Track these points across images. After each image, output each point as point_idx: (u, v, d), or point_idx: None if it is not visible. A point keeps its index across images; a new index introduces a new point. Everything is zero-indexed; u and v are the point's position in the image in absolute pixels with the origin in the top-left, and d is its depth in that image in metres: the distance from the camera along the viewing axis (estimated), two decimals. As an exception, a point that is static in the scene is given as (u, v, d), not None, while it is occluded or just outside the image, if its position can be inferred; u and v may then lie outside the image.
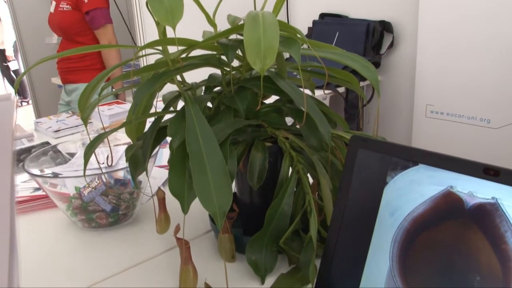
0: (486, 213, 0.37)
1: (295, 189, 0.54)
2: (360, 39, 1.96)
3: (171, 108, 0.60)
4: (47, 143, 0.79)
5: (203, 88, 0.61)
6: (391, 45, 1.99)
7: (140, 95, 0.50)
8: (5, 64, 3.83)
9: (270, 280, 0.53)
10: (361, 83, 1.89)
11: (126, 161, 0.58)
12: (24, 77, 4.11)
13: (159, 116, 0.58)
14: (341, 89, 1.89)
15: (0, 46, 3.79)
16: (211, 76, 0.61)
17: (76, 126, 1.27)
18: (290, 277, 0.53)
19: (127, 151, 0.59)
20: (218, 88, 0.60)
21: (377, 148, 0.44)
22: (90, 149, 0.53)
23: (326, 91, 1.79)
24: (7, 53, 3.85)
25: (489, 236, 0.36)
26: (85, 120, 0.55)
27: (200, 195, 0.43)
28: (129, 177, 0.71)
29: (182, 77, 0.60)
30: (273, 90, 0.55)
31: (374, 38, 1.97)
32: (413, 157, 0.41)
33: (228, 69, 0.58)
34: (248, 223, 0.54)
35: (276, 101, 0.61)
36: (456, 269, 0.38)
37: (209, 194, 0.43)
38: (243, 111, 0.54)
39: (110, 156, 0.73)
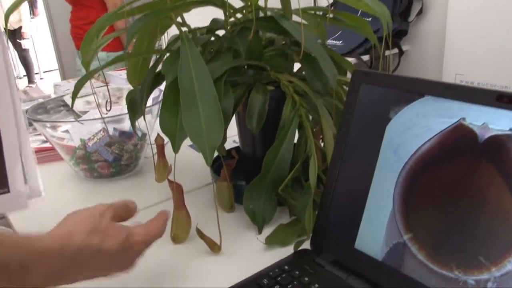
0: (502, 146, 0.33)
1: (296, 135, 0.51)
2: (387, 5, 1.87)
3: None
4: (62, 100, 0.79)
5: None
6: (420, 12, 1.90)
7: (134, 27, 0.48)
8: (18, 41, 3.85)
9: (268, 231, 0.51)
10: (387, 52, 1.82)
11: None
12: (35, 58, 4.16)
13: (158, 59, 0.56)
14: (365, 57, 1.82)
15: (17, 24, 3.81)
16: (213, 20, 0.58)
17: (95, 88, 1.27)
18: (288, 228, 0.50)
19: (127, 96, 0.58)
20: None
21: (380, 82, 0.40)
22: (81, 83, 0.52)
23: (350, 59, 1.74)
24: (23, 30, 3.85)
25: (504, 172, 0.32)
26: (87, 65, 0.54)
27: (189, 128, 0.41)
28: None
29: (182, 18, 0.57)
30: (277, 31, 0.52)
31: (402, 4, 1.89)
32: (418, 88, 0.37)
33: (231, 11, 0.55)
34: (250, 174, 0.51)
35: (281, 45, 0.58)
36: (463, 209, 0.34)
37: (198, 128, 0.42)
38: (243, 51, 0.52)
39: (109, 100, 0.72)
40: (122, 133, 0.70)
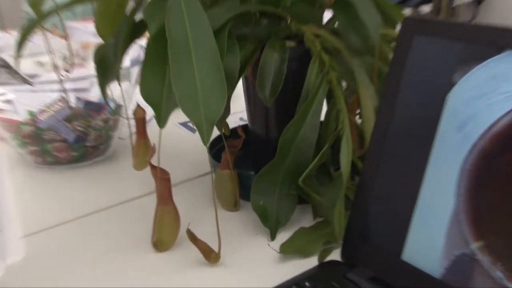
0: None
1: (324, 107, 0.52)
2: None
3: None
4: (1, 59, 0.79)
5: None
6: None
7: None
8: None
9: (284, 237, 0.51)
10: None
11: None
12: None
13: (139, 2, 0.56)
14: (426, 8, 1.81)
15: None
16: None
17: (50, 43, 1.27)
18: (311, 232, 0.51)
19: (96, 53, 0.58)
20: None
21: (441, 32, 0.40)
22: (29, 29, 0.52)
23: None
24: None
25: None
26: (37, 4, 0.54)
27: (180, 95, 0.42)
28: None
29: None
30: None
31: None
32: (496, 39, 0.37)
33: None
34: (261, 160, 0.52)
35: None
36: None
37: (192, 94, 0.42)
38: (254, -7, 0.52)
39: (70, 59, 0.72)
40: (88, 104, 0.70)
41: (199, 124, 0.41)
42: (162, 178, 0.49)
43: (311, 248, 0.48)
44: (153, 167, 0.49)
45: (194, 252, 0.48)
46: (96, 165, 0.71)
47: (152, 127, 0.58)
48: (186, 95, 0.42)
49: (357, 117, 0.54)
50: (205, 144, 0.42)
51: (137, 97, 0.85)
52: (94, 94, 0.70)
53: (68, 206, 0.62)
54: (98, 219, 0.59)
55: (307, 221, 0.53)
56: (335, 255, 0.46)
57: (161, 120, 0.45)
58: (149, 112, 0.53)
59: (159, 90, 0.45)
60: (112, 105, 0.69)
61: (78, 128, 0.68)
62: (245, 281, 0.46)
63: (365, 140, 0.50)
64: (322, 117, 0.52)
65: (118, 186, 0.65)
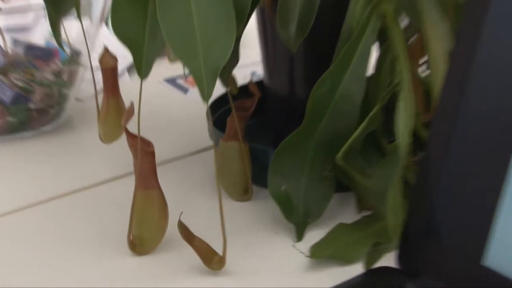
0: None
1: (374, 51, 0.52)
2: None
3: None
4: None
5: None
6: None
7: None
8: None
9: (315, 235, 0.52)
10: None
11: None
12: None
13: None
14: None
15: None
16: None
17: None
18: (354, 229, 0.52)
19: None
20: None
21: None
22: None
23: None
24: None
25: None
26: None
27: (169, 30, 0.42)
28: (54, 42, 0.71)
29: None
30: None
31: None
32: None
33: None
34: (281, 130, 0.52)
35: None
36: None
37: (187, 30, 0.42)
38: None
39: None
40: (31, 49, 0.72)
41: (197, 72, 0.42)
42: (145, 151, 0.49)
43: (354, 251, 0.49)
44: (131, 136, 0.49)
45: (189, 255, 0.49)
46: (44, 136, 0.71)
47: (124, 85, 0.59)
48: (178, 31, 0.43)
49: (422, 67, 0.54)
50: (205, 100, 0.42)
51: (103, 39, 0.87)
52: (39, 35, 0.71)
53: (3, 193, 0.63)
54: (46, 211, 0.60)
55: (348, 215, 0.54)
56: (388, 260, 0.46)
57: (142, 67, 0.45)
58: (122, 61, 0.54)
59: (140, 25, 0.46)
60: (67, 50, 0.69)
61: (17, 83, 0.69)
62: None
63: (432, 100, 0.50)
64: (371, 68, 0.52)
65: (76, 166, 0.66)
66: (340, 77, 0.50)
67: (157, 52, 0.46)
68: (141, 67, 0.45)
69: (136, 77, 0.80)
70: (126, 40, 0.46)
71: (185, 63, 0.43)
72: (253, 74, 0.79)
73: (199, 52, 0.42)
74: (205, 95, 0.42)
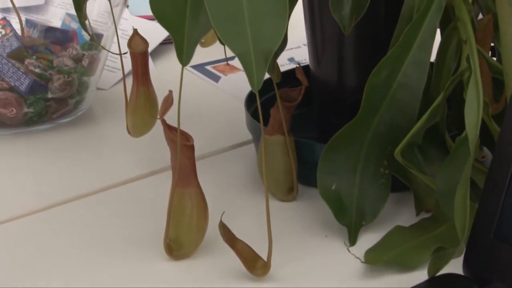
0: None
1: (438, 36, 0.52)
2: None
3: None
4: None
5: None
6: None
7: None
8: None
9: (371, 239, 0.52)
10: None
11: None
12: None
13: None
14: None
15: None
16: None
17: None
18: (415, 233, 0.52)
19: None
20: None
21: None
22: None
23: None
24: None
25: None
26: None
27: (215, 12, 0.42)
28: (74, 25, 0.71)
29: None
30: None
31: None
32: None
33: None
34: (331, 123, 0.52)
35: None
36: None
37: (236, 11, 0.42)
38: None
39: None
40: (49, 32, 0.72)
41: (246, 57, 0.42)
42: (184, 145, 0.49)
43: (415, 256, 0.49)
44: (170, 128, 0.49)
45: (230, 259, 0.49)
46: (63, 129, 0.71)
47: (159, 68, 0.58)
48: (224, 10, 0.42)
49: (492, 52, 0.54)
50: (255, 88, 0.42)
51: (131, 20, 0.87)
52: (56, 16, 0.72)
53: (21, 192, 0.63)
54: (71, 211, 0.60)
55: (407, 217, 0.54)
56: (455, 266, 0.46)
57: (184, 52, 0.45)
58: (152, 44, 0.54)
59: (181, 5, 0.46)
60: (89, 32, 0.68)
61: (33, 69, 0.69)
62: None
63: (506, 88, 0.50)
64: (434, 53, 0.52)
65: (99, 162, 0.66)
66: (400, 63, 0.50)
67: (200, 35, 0.46)
68: (183, 52, 0.45)
69: (161, 65, 0.82)
70: (165, 21, 0.46)
71: (231, 47, 0.42)
72: (290, 60, 0.78)
73: (247, 34, 0.42)
74: (255, 83, 0.42)
